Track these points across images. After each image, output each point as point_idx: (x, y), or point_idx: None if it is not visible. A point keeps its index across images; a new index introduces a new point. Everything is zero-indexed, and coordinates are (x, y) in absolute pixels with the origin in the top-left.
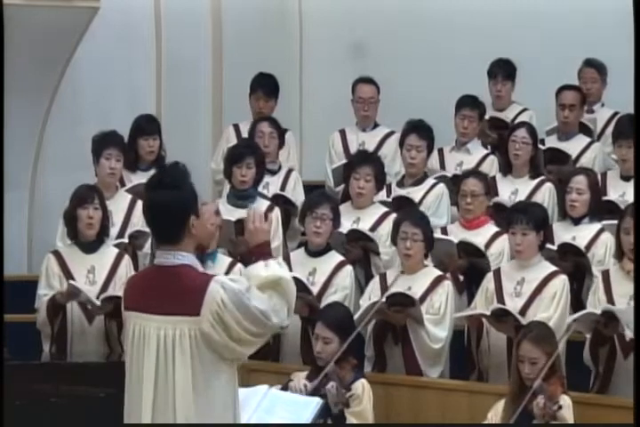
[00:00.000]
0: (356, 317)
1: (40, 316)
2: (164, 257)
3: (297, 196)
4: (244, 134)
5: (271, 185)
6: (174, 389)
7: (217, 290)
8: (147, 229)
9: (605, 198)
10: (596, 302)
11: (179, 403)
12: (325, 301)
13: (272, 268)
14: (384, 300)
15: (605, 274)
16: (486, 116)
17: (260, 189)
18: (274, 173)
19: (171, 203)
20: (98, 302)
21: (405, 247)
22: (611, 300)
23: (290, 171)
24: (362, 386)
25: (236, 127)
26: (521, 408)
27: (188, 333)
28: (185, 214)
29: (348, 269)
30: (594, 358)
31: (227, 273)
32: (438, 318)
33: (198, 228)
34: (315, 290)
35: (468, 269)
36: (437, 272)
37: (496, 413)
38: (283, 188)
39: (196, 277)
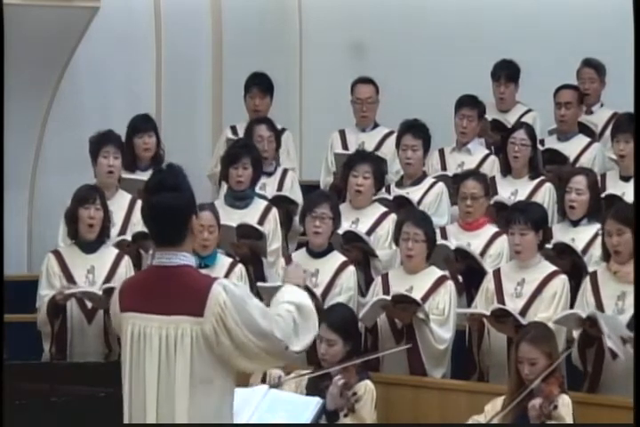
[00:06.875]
0: (362, 314)
1: (40, 315)
2: (166, 257)
3: (295, 195)
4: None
5: (268, 186)
6: (175, 388)
7: (219, 292)
8: None
9: (608, 193)
10: (584, 304)
11: (178, 402)
12: (329, 302)
13: (297, 294)
14: (389, 298)
15: (593, 276)
16: (488, 118)
17: (256, 190)
18: (270, 174)
19: (174, 205)
20: (99, 293)
21: (407, 248)
22: (599, 301)
23: (286, 171)
24: (364, 387)
25: (234, 129)
26: (520, 409)
27: (190, 333)
28: (187, 215)
29: (351, 269)
30: (581, 358)
31: (227, 273)
32: (443, 319)
33: (195, 228)
34: (318, 291)
35: (466, 271)
36: (439, 272)
37: (494, 407)
38: (280, 188)
39: (199, 279)
